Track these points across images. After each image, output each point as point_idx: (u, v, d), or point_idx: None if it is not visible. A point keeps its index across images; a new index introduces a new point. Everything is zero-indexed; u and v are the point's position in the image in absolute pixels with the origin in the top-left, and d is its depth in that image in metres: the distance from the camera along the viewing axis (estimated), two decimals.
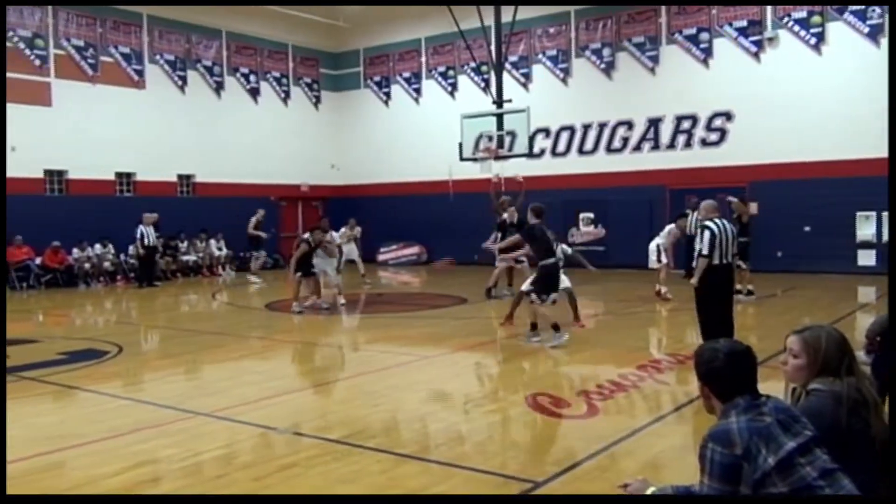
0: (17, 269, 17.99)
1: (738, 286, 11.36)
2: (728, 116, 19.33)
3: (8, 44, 18.33)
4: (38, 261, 18.39)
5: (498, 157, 17.85)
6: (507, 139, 18.28)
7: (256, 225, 20.53)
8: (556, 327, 9.43)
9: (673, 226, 14.34)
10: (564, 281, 10.57)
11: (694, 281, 8.28)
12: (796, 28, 18.38)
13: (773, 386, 3.49)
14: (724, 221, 8.38)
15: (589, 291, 15.16)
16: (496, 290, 14.63)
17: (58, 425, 6.36)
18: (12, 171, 18.06)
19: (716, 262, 8.07)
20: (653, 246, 14.18)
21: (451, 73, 23.93)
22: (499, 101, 18.29)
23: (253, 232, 20.53)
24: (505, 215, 14.61)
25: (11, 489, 4.72)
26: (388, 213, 24.20)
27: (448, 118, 20.42)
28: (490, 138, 17.84)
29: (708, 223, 8.14)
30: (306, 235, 13.55)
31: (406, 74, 24.86)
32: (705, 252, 8.03)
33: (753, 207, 19.12)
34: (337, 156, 25.95)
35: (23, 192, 18.39)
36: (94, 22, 20.04)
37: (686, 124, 19.96)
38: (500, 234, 14.38)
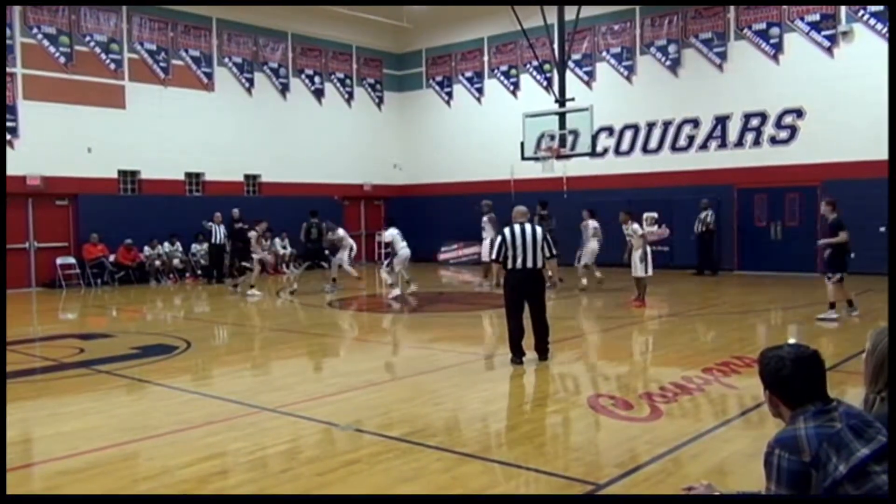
0: (92, 266, 18.66)
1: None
2: (799, 113, 18.79)
3: (85, 48, 19.05)
4: (111, 258, 19.06)
5: (560, 157, 17.75)
6: (570, 138, 18.11)
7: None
8: (831, 305, 11.18)
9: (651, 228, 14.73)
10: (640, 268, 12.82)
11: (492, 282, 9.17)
12: (872, 21, 17.74)
13: (847, 391, 3.40)
14: (526, 227, 8.43)
15: (656, 292, 14.95)
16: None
17: (133, 417, 6.58)
18: (89, 172, 18.83)
19: (509, 265, 8.38)
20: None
21: (513, 72, 23.87)
22: (561, 100, 18.17)
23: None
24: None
25: (94, 476, 4.96)
26: (450, 212, 24.25)
27: (510, 117, 20.39)
28: (552, 137, 17.73)
29: (504, 229, 8.47)
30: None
31: (468, 74, 24.90)
32: (493, 256, 8.54)
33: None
34: (399, 156, 26.17)
35: (98, 191, 19.14)
36: (165, 26, 20.64)
37: (755, 122, 19.47)
38: None
